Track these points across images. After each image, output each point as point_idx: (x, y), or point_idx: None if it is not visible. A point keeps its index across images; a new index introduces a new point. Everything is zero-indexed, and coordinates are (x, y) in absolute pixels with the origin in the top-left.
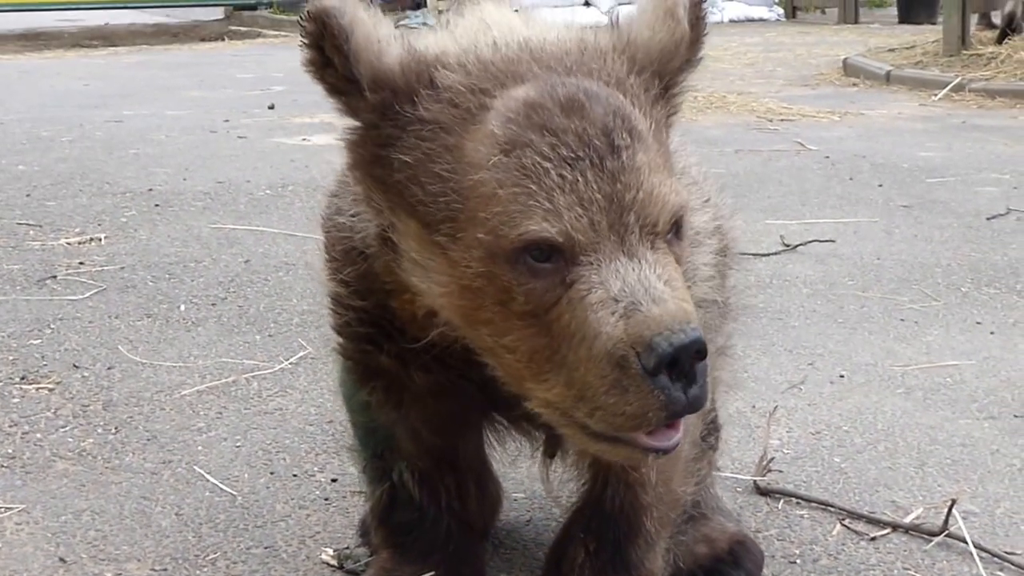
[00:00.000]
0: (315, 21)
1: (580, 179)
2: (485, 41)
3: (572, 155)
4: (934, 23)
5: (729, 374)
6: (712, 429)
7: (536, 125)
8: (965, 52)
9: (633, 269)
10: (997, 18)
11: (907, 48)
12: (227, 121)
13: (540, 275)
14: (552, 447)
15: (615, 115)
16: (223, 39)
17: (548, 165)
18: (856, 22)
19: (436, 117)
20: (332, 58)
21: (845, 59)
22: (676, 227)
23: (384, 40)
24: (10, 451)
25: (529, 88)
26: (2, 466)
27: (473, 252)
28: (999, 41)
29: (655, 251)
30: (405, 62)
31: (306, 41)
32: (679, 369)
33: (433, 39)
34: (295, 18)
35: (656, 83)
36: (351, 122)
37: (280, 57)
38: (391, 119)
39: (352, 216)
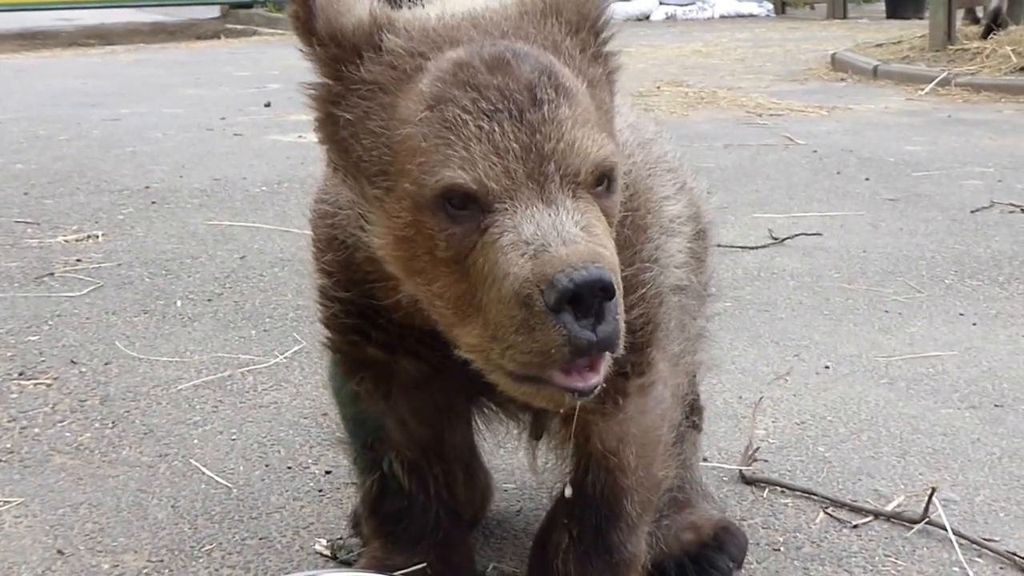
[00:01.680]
0: None
1: (497, 129)
2: (435, 11)
3: (491, 108)
4: (921, 18)
5: (707, 356)
6: (694, 409)
7: (461, 82)
8: (951, 47)
9: (549, 215)
10: (982, 13)
11: (894, 43)
12: (223, 119)
13: (458, 221)
14: (538, 429)
15: (541, 72)
16: (219, 37)
17: (467, 117)
18: (844, 17)
19: (376, 78)
20: (299, 10)
21: (833, 54)
22: (606, 180)
23: (349, 1)
24: (8, 446)
25: (460, 50)
26: (1, 460)
27: (403, 203)
28: (984, 36)
29: (576, 199)
30: (357, 24)
31: None
32: (584, 307)
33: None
34: None
35: (593, 40)
36: (314, 78)
37: (276, 55)
38: (339, 78)
39: (333, 203)
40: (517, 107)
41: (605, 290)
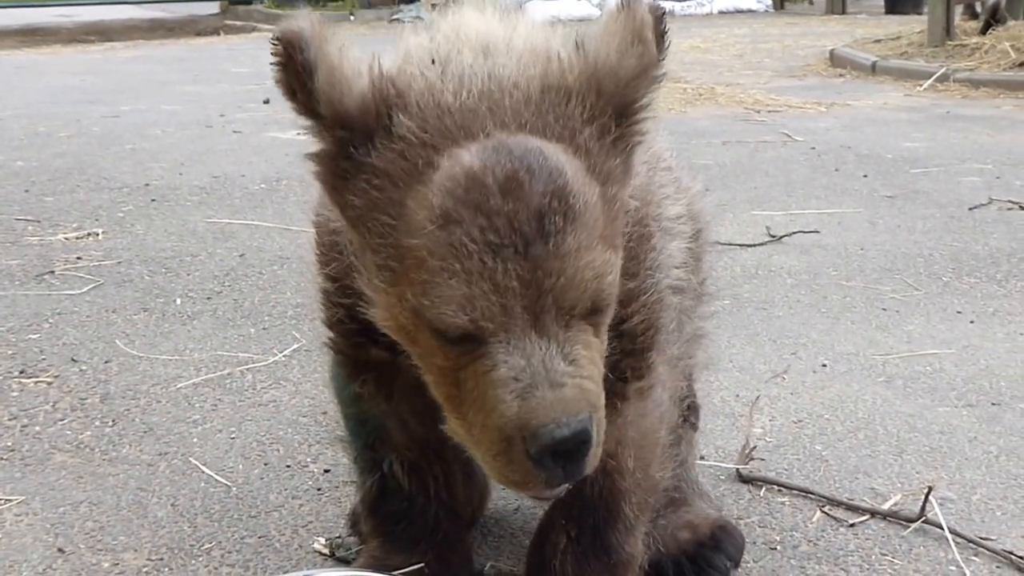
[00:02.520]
0: (283, 49)
1: (500, 267)
2: (451, 74)
3: (498, 241)
4: (920, 14)
5: (704, 355)
6: (690, 408)
7: (471, 203)
8: (950, 43)
9: (540, 348)
10: (981, 9)
11: (893, 39)
12: (222, 116)
13: (454, 343)
14: None
15: (552, 196)
16: (218, 34)
17: (473, 248)
18: (843, 13)
19: (386, 168)
20: (296, 90)
21: (832, 50)
22: (602, 303)
23: (350, 75)
24: (9, 444)
25: (475, 156)
26: (1, 459)
27: (405, 304)
28: (983, 32)
29: (568, 329)
30: (365, 103)
31: (275, 63)
32: (563, 456)
33: (405, 53)
34: (289, 12)
35: (614, 125)
36: (316, 144)
37: None
38: (348, 157)
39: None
40: (524, 240)
41: (583, 444)
